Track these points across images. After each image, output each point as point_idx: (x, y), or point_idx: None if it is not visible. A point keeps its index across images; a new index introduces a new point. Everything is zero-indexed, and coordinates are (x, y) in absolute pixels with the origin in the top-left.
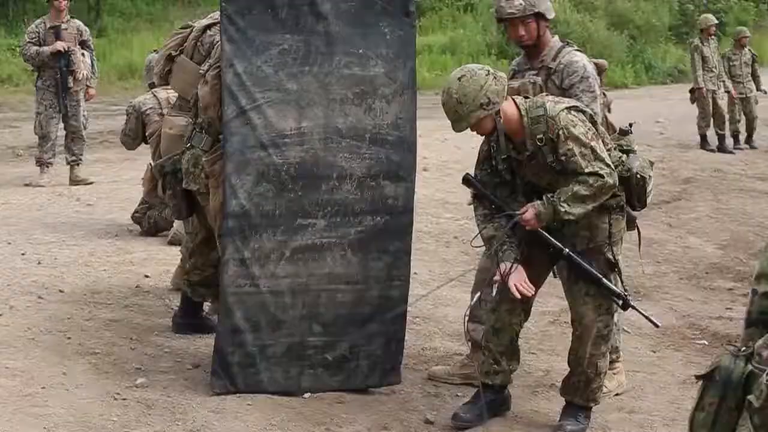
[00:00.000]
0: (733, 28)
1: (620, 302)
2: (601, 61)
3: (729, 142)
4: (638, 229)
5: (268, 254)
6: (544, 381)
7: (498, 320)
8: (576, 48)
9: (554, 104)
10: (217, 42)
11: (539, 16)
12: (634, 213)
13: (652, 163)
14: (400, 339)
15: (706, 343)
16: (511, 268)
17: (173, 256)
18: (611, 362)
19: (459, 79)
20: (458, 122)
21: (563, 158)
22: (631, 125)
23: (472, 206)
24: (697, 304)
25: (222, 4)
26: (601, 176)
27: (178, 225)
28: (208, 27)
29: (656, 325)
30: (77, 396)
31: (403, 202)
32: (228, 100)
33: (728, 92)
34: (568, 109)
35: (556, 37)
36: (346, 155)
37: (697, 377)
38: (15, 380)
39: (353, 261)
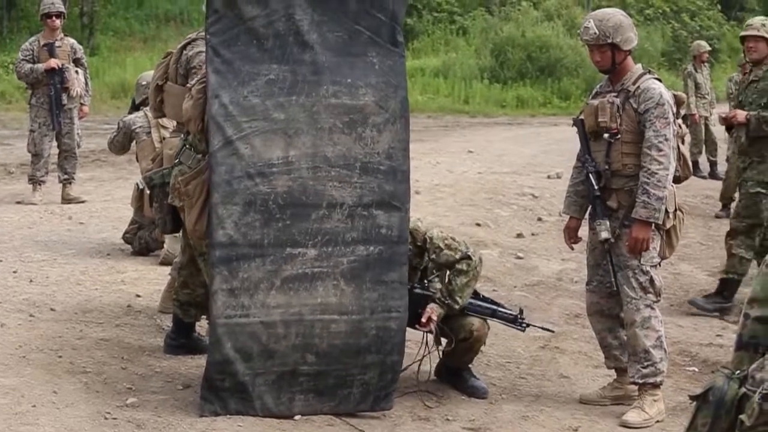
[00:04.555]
0: (726, 55)
1: (516, 325)
2: (679, 93)
3: (721, 168)
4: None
5: (258, 284)
6: (535, 406)
7: None
8: (656, 77)
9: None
10: (193, 57)
11: (614, 46)
12: None
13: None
14: (396, 369)
15: (697, 369)
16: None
17: (165, 276)
18: (653, 387)
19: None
20: None
21: (434, 256)
22: None
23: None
24: (688, 330)
25: (207, 37)
26: (469, 257)
27: (169, 245)
28: (184, 47)
29: (552, 332)
30: (68, 415)
31: (398, 232)
32: (214, 131)
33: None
34: (418, 219)
35: (639, 65)
36: (335, 184)
37: (691, 398)
38: (6, 398)
39: (347, 291)
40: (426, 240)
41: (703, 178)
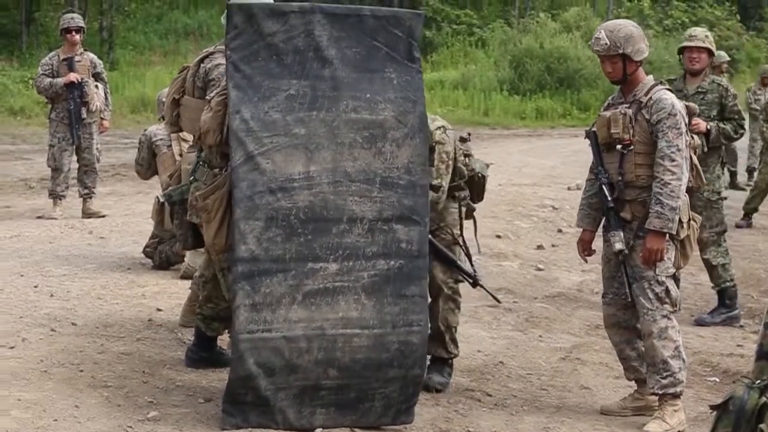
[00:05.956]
0: (745, 65)
1: (470, 281)
2: (691, 104)
3: (741, 179)
4: (474, 219)
5: (280, 299)
6: (556, 417)
7: None
8: (667, 87)
9: (432, 121)
10: (212, 69)
11: (626, 57)
12: (473, 205)
13: (488, 165)
14: (417, 382)
15: (717, 380)
16: None
17: (186, 289)
18: (674, 397)
19: None
20: None
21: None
22: (469, 134)
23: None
24: (708, 341)
25: (227, 53)
26: (436, 191)
27: (189, 259)
28: (201, 60)
29: (498, 301)
30: (89, 429)
31: (417, 246)
32: (235, 146)
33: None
34: (442, 128)
35: (650, 77)
36: (356, 198)
37: (712, 407)
38: (27, 412)
39: (368, 305)
40: (434, 148)
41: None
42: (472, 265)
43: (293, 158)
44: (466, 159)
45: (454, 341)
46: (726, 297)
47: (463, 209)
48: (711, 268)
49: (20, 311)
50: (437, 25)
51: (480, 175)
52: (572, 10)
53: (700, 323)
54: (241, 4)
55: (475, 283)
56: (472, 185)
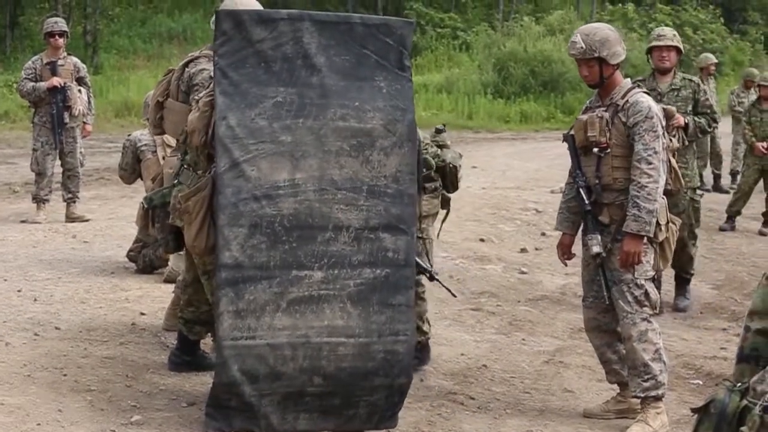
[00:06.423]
0: (729, 68)
1: (427, 275)
2: (669, 107)
3: (725, 182)
4: (448, 210)
5: (264, 306)
6: (539, 421)
7: None
8: (644, 90)
9: None
10: (196, 74)
11: (602, 60)
12: (448, 195)
13: (461, 156)
14: (403, 391)
15: (701, 382)
16: None
17: (169, 293)
18: (656, 400)
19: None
20: None
21: None
22: (444, 125)
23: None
24: (692, 343)
25: (215, 58)
26: None
27: (173, 263)
28: (186, 65)
29: (454, 296)
30: None
31: (404, 255)
32: (221, 153)
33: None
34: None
35: (628, 80)
36: (342, 207)
37: (693, 410)
38: (11, 417)
39: (353, 314)
40: None
41: (707, 191)
42: (429, 260)
43: (279, 165)
44: (439, 150)
45: (418, 328)
46: (687, 283)
47: (434, 203)
48: (690, 259)
49: (3, 315)
50: (421, 29)
51: (452, 165)
52: (556, 14)
53: (682, 309)
54: (230, 10)
55: (431, 277)
56: (445, 176)
